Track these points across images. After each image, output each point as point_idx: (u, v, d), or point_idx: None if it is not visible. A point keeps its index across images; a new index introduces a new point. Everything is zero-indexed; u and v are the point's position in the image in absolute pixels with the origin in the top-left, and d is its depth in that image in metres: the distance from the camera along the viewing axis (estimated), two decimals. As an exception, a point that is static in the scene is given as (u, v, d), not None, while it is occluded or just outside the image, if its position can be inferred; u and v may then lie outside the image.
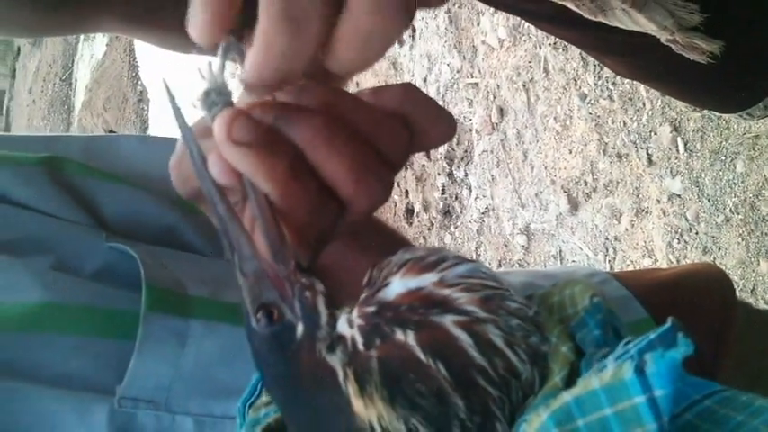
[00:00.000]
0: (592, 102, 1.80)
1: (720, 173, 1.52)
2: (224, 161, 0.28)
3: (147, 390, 0.42)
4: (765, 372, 0.81)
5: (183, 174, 0.33)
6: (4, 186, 0.48)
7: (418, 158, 2.39)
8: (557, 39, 1.78)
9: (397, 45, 2.43)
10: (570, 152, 1.88)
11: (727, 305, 0.72)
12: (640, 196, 1.70)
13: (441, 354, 0.25)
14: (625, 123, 1.72)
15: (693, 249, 1.59)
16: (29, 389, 0.41)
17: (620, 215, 1.75)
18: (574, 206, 1.87)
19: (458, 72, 2.23)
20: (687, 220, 1.60)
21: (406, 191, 2.45)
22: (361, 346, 0.27)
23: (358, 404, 0.26)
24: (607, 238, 1.79)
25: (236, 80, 0.29)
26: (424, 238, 2.35)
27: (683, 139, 1.59)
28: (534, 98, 1.98)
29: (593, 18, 0.68)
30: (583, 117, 1.83)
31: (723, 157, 1.52)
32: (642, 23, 0.67)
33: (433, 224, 2.32)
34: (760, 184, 1.44)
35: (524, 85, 2.00)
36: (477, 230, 2.17)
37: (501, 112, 2.09)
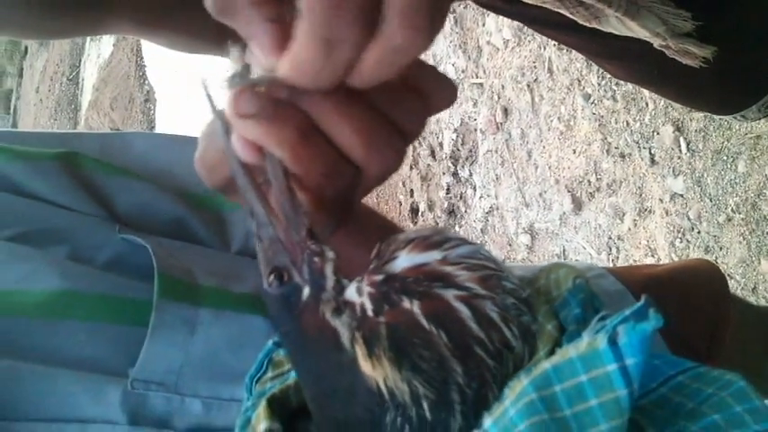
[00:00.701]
0: (595, 102, 1.82)
1: (722, 172, 1.53)
2: (243, 137, 0.30)
3: (158, 373, 0.44)
4: (759, 364, 0.83)
5: (208, 164, 0.34)
6: (23, 180, 0.50)
7: (423, 158, 2.41)
8: (560, 40, 1.79)
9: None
10: (574, 152, 1.89)
11: (721, 300, 0.73)
12: (643, 196, 1.72)
13: (442, 322, 0.27)
14: (628, 123, 1.73)
15: (695, 248, 1.61)
16: (48, 371, 0.43)
17: (624, 214, 1.77)
18: (577, 205, 1.88)
19: (463, 72, 2.24)
20: (689, 219, 1.61)
21: (411, 190, 2.47)
22: (370, 312, 0.29)
23: (366, 365, 0.28)
24: (610, 238, 1.80)
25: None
26: (428, 236, 2.35)
27: (685, 139, 1.60)
28: (538, 98, 1.99)
29: (587, 24, 0.69)
30: (586, 117, 1.84)
31: (725, 157, 1.53)
32: (635, 30, 0.69)
33: (437, 223, 2.33)
34: (761, 184, 1.46)
35: (529, 86, 2.02)
36: (482, 230, 2.18)
37: (505, 111, 2.10)
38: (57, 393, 0.43)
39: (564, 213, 1.92)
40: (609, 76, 1.76)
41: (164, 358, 0.45)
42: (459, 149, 2.27)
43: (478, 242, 0.31)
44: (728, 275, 1.50)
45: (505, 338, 0.28)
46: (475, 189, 2.23)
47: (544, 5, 0.69)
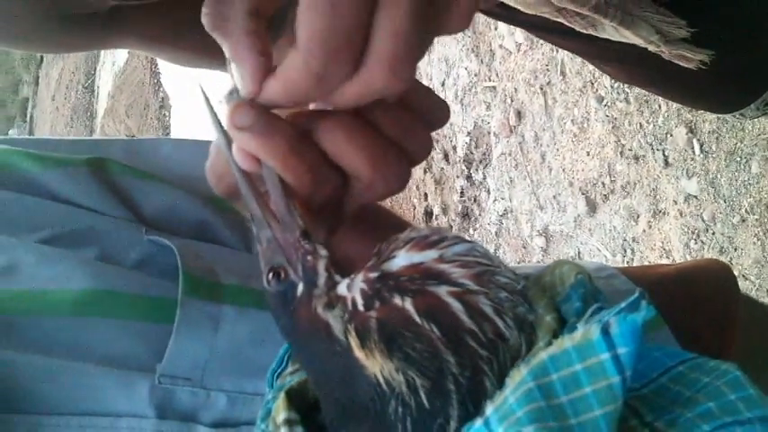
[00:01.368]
0: (608, 104, 1.82)
1: (736, 174, 1.54)
2: (241, 148, 0.33)
3: (185, 368, 0.46)
4: (769, 364, 0.83)
5: (217, 172, 0.37)
6: (56, 185, 0.53)
7: (437, 161, 2.42)
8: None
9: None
10: (588, 154, 1.90)
11: (731, 299, 0.74)
12: (657, 197, 1.72)
13: (433, 316, 0.30)
14: (641, 125, 1.73)
15: (710, 250, 1.60)
16: (80, 367, 0.45)
17: (638, 216, 1.77)
18: (592, 208, 1.88)
19: (475, 76, 2.26)
20: (704, 220, 1.61)
21: (425, 194, 2.49)
22: (361, 307, 0.31)
23: (361, 355, 0.30)
24: (625, 240, 1.80)
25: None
26: (443, 239, 2.36)
27: (698, 140, 1.60)
28: (552, 101, 2.00)
29: (584, 31, 0.71)
30: (600, 119, 1.85)
31: (738, 158, 1.53)
32: (629, 37, 0.71)
33: (451, 227, 2.34)
34: (775, 185, 1.46)
35: (542, 88, 2.03)
36: (496, 233, 2.19)
37: (519, 115, 2.11)
38: (88, 388, 0.45)
39: (578, 216, 1.92)
40: (621, 78, 1.77)
41: (189, 354, 0.47)
42: (472, 153, 2.29)
43: (474, 240, 0.34)
44: (743, 276, 1.51)
45: (498, 329, 0.29)
46: (489, 192, 2.24)
47: (543, 15, 0.71)
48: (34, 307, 0.46)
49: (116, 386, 0.45)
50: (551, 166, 2.01)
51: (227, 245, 0.58)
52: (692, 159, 1.61)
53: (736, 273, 1.43)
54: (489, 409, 0.27)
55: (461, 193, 2.33)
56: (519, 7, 0.71)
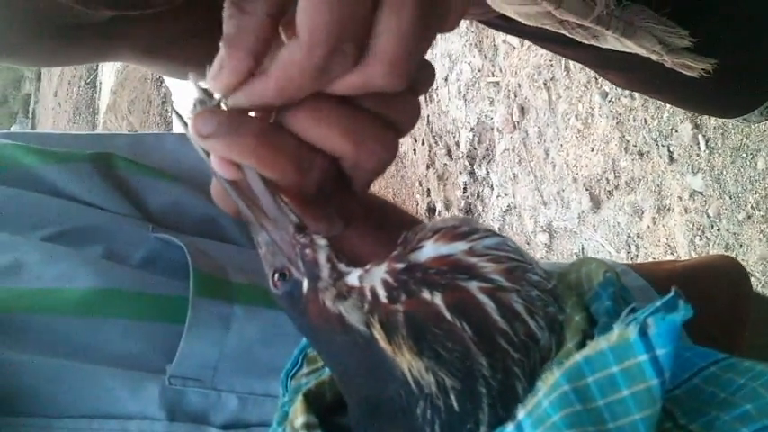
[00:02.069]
0: (613, 100, 1.81)
1: (741, 170, 1.53)
2: (216, 156, 0.32)
3: (195, 369, 0.46)
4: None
5: (220, 194, 0.36)
6: (59, 181, 0.52)
7: (440, 157, 2.41)
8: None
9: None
10: (592, 150, 1.89)
11: (742, 296, 0.74)
12: (662, 193, 1.71)
13: (465, 314, 0.28)
14: (646, 121, 1.72)
15: (715, 246, 1.60)
16: (87, 368, 0.44)
17: (642, 212, 1.76)
18: (596, 204, 1.88)
19: (479, 71, 2.25)
20: (709, 216, 1.60)
21: (428, 189, 2.48)
22: (384, 299, 0.30)
23: (388, 348, 0.29)
24: (629, 236, 1.79)
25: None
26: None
27: (703, 136, 1.60)
28: (555, 96, 1.99)
29: (585, 42, 0.71)
30: (604, 115, 1.84)
31: (744, 154, 1.52)
32: (632, 48, 0.70)
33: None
34: (781, 181, 1.45)
35: (545, 84, 2.01)
36: (499, 229, 2.18)
37: (522, 110, 2.10)
38: (97, 390, 0.44)
39: (582, 212, 1.91)
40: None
41: (200, 354, 0.46)
42: (475, 148, 2.28)
43: (506, 234, 0.32)
44: (749, 273, 1.50)
45: (530, 330, 0.28)
46: (492, 188, 2.23)
47: (544, 26, 0.70)
48: (40, 307, 0.45)
49: (125, 388, 0.44)
50: (555, 162, 2.00)
51: (235, 242, 0.57)
52: (698, 155, 1.60)
53: (741, 269, 1.42)
54: (521, 413, 0.26)
55: (464, 189, 2.32)
56: (520, 19, 0.70)
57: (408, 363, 0.28)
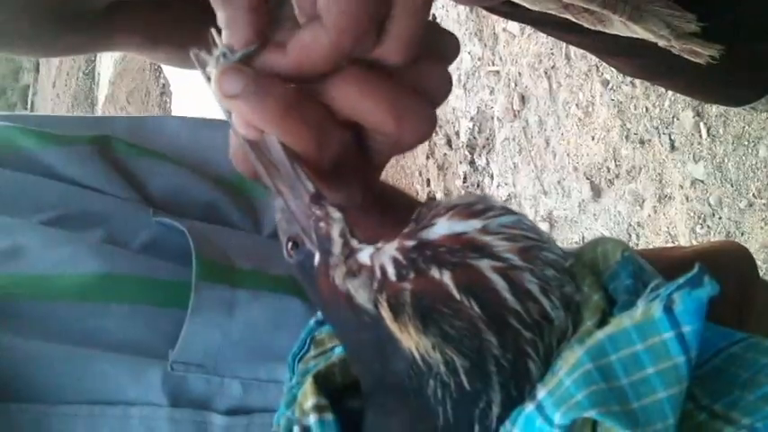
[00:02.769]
0: (614, 88, 1.80)
1: (743, 157, 1.52)
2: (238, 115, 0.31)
3: (198, 354, 0.45)
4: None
5: (238, 153, 0.34)
6: (58, 164, 0.51)
7: (440, 147, 2.40)
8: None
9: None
10: (593, 139, 1.88)
11: (750, 282, 0.73)
12: (663, 182, 1.70)
13: (474, 293, 0.27)
14: (647, 109, 1.72)
15: (716, 234, 1.59)
16: (88, 354, 0.43)
17: (643, 201, 1.76)
18: (596, 193, 1.87)
19: (479, 60, 2.23)
20: (710, 205, 1.60)
21: (428, 179, 2.47)
22: (392, 277, 0.29)
23: (394, 328, 0.28)
24: (630, 225, 1.79)
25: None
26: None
27: (705, 124, 1.59)
28: (556, 85, 1.98)
29: (592, 28, 0.70)
30: (605, 103, 1.83)
31: (746, 142, 1.51)
32: (639, 32, 0.69)
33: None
34: (783, 169, 1.45)
35: (546, 72, 2.00)
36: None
37: (523, 99, 2.09)
38: (98, 376, 0.43)
39: (583, 201, 1.91)
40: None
41: (203, 340, 0.45)
42: (475, 138, 2.27)
43: (522, 212, 0.31)
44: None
45: (544, 310, 0.27)
46: (492, 177, 2.22)
47: (549, 11, 0.69)
48: (40, 292, 0.45)
49: (127, 373, 0.43)
50: (556, 151, 1.99)
51: (238, 227, 0.56)
52: (699, 143, 1.60)
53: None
54: (542, 392, 0.25)
55: (464, 178, 2.31)
56: (525, 4, 0.69)
57: (415, 341, 0.28)
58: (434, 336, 0.27)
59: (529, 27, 2.04)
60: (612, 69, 1.80)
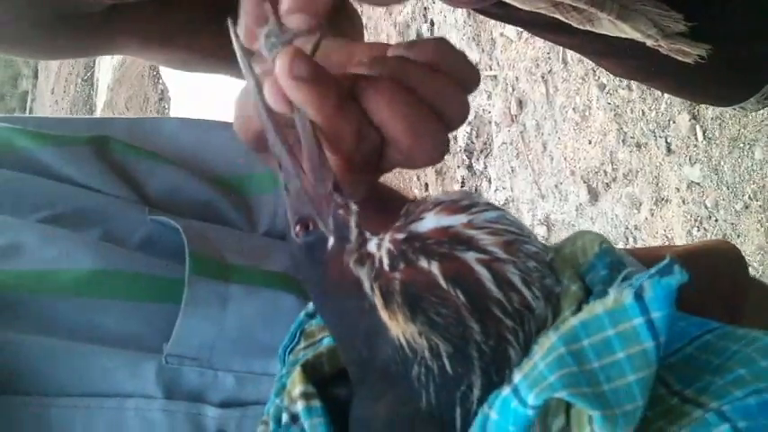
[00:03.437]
0: (610, 92, 1.81)
1: (739, 160, 1.53)
2: (278, 89, 0.32)
3: (192, 348, 0.46)
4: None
5: (244, 118, 0.36)
6: (56, 164, 0.52)
7: (438, 151, 2.41)
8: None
9: (416, 39, 2.46)
10: (589, 142, 1.89)
11: (740, 280, 0.74)
12: (660, 185, 1.71)
13: (460, 283, 0.29)
14: (644, 113, 1.73)
15: (713, 237, 1.60)
16: (85, 348, 0.44)
17: (640, 204, 1.76)
18: (594, 196, 1.88)
19: (476, 65, 2.25)
20: (706, 207, 1.60)
21: (426, 184, 2.48)
22: (386, 267, 0.30)
23: (384, 315, 0.30)
24: (627, 228, 1.80)
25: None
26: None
27: (701, 126, 1.60)
28: (553, 89, 1.99)
29: (581, 27, 0.71)
30: (602, 107, 1.84)
31: (742, 145, 1.52)
32: (627, 32, 0.70)
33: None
34: (779, 171, 1.45)
35: (543, 77, 2.02)
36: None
37: (520, 103, 2.10)
38: (94, 369, 0.44)
39: (580, 204, 1.91)
40: (624, 65, 1.76)
41: (197, 333, 0.46)
42: (473, 142, 2.28)
43: (505, 208, 0.33)
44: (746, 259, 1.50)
45: (526, 300, 0.29)
46: (490, 182, 2.23)
47: (539, 11, 0.70)
48: (38, 287, 0.46)
49: (123, 367, 0.44)
50: (553, 155, 2.00)
51: (233, 225, 0.57)
52: (695, 146, 1.61)
53: (739, 259, 1.42)
54: (517, 376, 0.26)
55: (462, 182, 2.32)
56: (515, 4, 0.70)
57: (402, 328, 0.29)
58: (421, 323, 0.29)
59: (526, 32, 2.06)
60: (609, 73, 1.81)
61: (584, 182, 1.90)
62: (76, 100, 7.41)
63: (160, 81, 5.21)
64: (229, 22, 0.33)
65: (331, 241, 0.33)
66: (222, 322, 0.47)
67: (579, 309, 0.28)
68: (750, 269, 1.49)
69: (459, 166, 2.33)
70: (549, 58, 1.99)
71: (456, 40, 2.32)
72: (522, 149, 2.10)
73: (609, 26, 0.70)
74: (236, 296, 0.48)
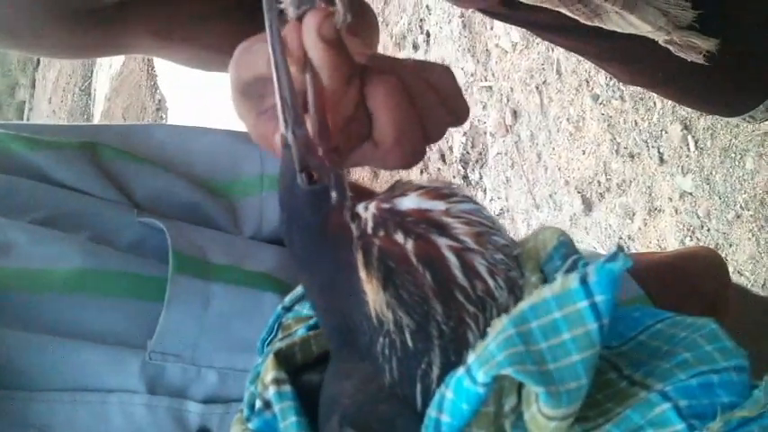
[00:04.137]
0: (604, 102, 1.83)
1: (731, 170, 1.54)
2: (299, 44, 0.34)
3: (175, 344, 0.47)
4: (760, 353, 0.84)
5: (249, 59, 0.38)
6: (46, 167, 0.53)
7: (434, 162, 2.43)
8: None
9: (412, 50, 2.48)
10: (583, 153, 1.90)
11: (722, 285, 0.75)
12: (653, 195, 1.72)
13: (429, 265, 0.31)
14: (636, 123, 1.74)
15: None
16: (70, 343, 0.46)
17: (634, 214, 1.77)
18: (588, 206, 1.89)
19: (472, 76, 2.26)
20: (699, 217, 1.61)
21: (422, 194, 2.48)
22: (369, 230, 0.33)
23: (363, 274, 0.32)
24: (621, 238, 1.80)
25: None
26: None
27: (693, 137, 1.61)
28: (547, 100, 2.01)
29: (589, 23, 0.71)
30: (595, 118, 1.85)
31: (733, 155, 1.53)
32: (636, 24, 0.70)
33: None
34: (769, 180, 1.46)
35: (537, 88, 2.03)
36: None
37: (515, 114, 2.12)
38: (79, 364, 0.45)
39: (574, 214, 1.92)
40: (616, 75, 1.78)
41: (180, 330, 0.47)
42: (468, 153, 2.29)
43: (481, 203, 0.35)
44: (738, 272, 1.51)
45: (489, 289, 0.30)
46: (485, 192, 2.24)
47: (543, 5, 0.70)
48: (25, 285, 0.47)
49: (107, 362, 0.46)
50: (547, 165, 2.01)
51: (220, 228, 0.58)
52: (687, 156, 1.62)
53: (731, 269, 1.43)
54: (471, 357, 0.27)
55: (458, 192, 2.32)
56: None
57: (374, 293, 0.31)
58: (390, 294, 0.31)
59: (521, 43, 2.07)
60: (602, 84, 1.82)
61: (579, 192, 1.91)
62: (74, 110, 7.41)
63: (158, 91, 5.23)
64: None
65: (333, 194, 0.34)
66: (204, 319, 0.48)
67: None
68: (742, 279, 1.51)
69: (454, 176, 2.34)
70: (544, 68, 2.01)
71: (451, 51, 2.34)
72: (517, 160, 2.12)
73: (617, 20, 0.69)
74: (218, 294, 0.49)
